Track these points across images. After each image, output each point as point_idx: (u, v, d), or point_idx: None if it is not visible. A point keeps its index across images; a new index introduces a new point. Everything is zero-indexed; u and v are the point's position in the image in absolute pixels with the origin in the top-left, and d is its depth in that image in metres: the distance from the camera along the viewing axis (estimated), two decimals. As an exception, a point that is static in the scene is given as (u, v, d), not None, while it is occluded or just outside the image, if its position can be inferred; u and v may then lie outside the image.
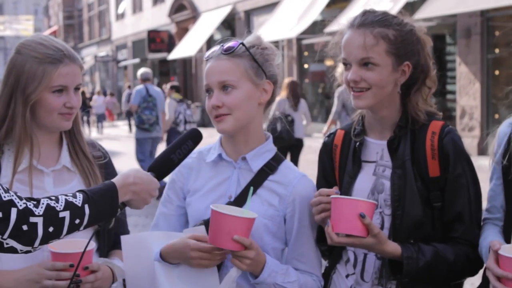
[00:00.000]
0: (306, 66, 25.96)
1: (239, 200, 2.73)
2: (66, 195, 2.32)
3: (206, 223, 2.68)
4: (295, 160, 12.24)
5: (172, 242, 2.69)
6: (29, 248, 2.23)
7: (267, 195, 2.79)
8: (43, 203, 2.24)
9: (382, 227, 2.76)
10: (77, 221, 2.29)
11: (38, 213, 2.21)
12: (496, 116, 16.78)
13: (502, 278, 2.30)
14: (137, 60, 43.28)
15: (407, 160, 2.73)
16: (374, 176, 2.82)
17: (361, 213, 2.48)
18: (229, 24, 30.55)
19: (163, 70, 40.45)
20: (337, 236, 2.55)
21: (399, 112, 2.79)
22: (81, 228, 2.33)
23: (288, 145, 11.85)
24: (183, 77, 36.06)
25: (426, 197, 2.71)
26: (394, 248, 2.63)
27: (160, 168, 2.60)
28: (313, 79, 25.89)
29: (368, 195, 2.81)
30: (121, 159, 19.24)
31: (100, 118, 34.63)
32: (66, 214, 2.26)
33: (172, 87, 14.88)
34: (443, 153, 2.70)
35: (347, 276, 2.86)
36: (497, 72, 16.71)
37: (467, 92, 17.27)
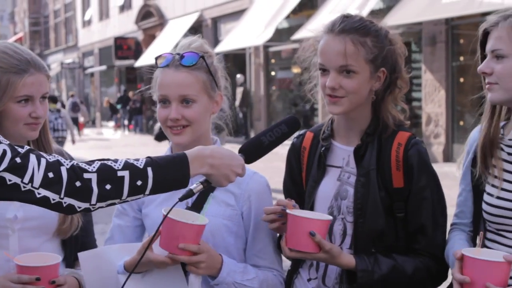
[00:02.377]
0: (273, 73, 26.01)
1: (197, 206, 2.72)
2: (127, 158, 2.29)
3: None
4: None
5: (132, 258, 2.65)
6: (87, 205, 2.20)
7: (223, 196, 2.79)
8: (97, 163, 2.22)
9: (344, 234, 2.77)
10: (139, 182, 2.23)
11: (92, 170, 2.19)
12: (461, 123, 16.95)
13: (464, 284, 2.33)
14: (103, 67, 43.07)
15: (372, 170, 2.73)
16: (338, 181, 2.82)
17: (311, 232, 2.50)
18: (196, 31, 30.40)
19: (130, 77, 40.28)
20: (289, 250, 2.57)
21: (368, 118, 2.79)
22: (147, 192, 2.26)
23: None
24: (150, 84, 35.87)
25: (389, 207, 2.71)
26: (348, 260, 2.63)
27: (249, 149, 2.54)
28: (280, 86, 25.95)
29: (332, 200, 2.81)
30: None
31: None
32: (125, 174, 2.22)
33: (49, 98, 14.97)
34: (407, 164, 2.70)
35: (309, 280, 2.86)
36: (461, 80, 16.87)
37: (433, 99, 17.42)
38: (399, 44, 2.79)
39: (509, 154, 2.63)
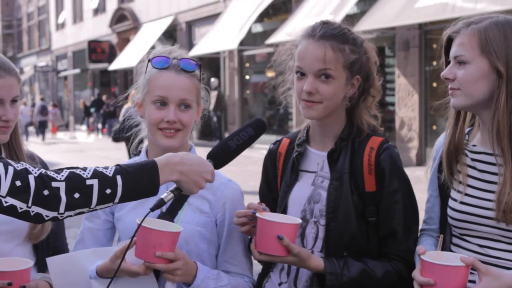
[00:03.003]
0: (247, 77, 26.04)
1: (171, 211, 2.74)
2: (97, 167, 2.27)
3: None
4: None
5: (104, 264, 2.65)
6: (55, 214, 2.18)
7: (198, 203, 2.81)
8: (65, 171, 2.20)
9: (316, 237, 2.79)
10: (108, 190, 2.22)
11: (60, 178, 2.17)
12: (434, 127, 17.06)
13: (424, 285, 2.33)
14: (77, 71, 42.87)
15: (345, 173, 2.76)
16: (312, 186, 2.84)
17: (279, 235, 2.52)
18: (170, 35, 30.47)
19: (104, 81, 40.14)
20: (259, 253, 2.59)
21: (343, 124, 2.82)
22: (116, 200, 2.25)
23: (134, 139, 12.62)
24: (124, 88, 35.80)
25: (362, 211, 2.74)
26: (318, 263, 2.66)
27: (217, 154, 2.54)
28: (254, 90, 25.98)
29: (305, 204, 2.83)
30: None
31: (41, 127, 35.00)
32: (94, 182, 2.20)
33: None
34: (379, 168, 2.73)
35: (280, 284, 2.88)
36: (435, 84, 16.98)
37: (406, 103, 17.52)
38: (372, 53, 2.83)
39: (472, 160, 2.66)
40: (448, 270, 2.29)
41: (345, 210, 2.73)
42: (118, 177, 2.24)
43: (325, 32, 2.74)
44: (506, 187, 2.50)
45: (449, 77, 2.60)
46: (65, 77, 47.61)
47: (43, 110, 36.68)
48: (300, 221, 2.65)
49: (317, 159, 2.86)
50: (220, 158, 2.53)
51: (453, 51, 2.60)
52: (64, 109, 48.20)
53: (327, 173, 2.81)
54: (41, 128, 35.65)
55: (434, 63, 17.08)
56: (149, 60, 2.82)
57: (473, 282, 2.36)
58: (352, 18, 18.18)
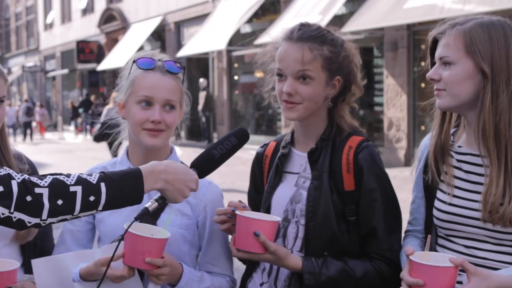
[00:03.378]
0: (236, 77, 26.04)
1: (154, 213, 2.72)
2: (80, 173, 2.26)
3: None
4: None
5: (87, 268, 2.64)
6: (37, 221, 2.16)
7: (180, 206, 2.82)
8: (49, 177, 2.19)
9: (296, 237, 2.81)
10: (92, 198, 2.21)
11: (43, 184, 2.16)
12: (423, 127, 17.10)
13: (413, 286, 2.32)
14: (65, 71, 42.75)
15: (325, 173, 2.77)
16: (295, 187, 2.86)
17: (255, 232, 2.54)
18: (159, 35, 30.44)
19: (93, 81, 40.02)
20: (237, 251, 2.61)
21: (324, 124, 2.84)
22: (100, 207, 2.23)
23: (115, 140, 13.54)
24: (113, 88, 35.60)
25: (342, 210, 2.74)
26: (295, 262, 2.67)
27: (201, 163, 2.55)
28: (243, 91, 25.98)
29: (287, 204, 2.85)
30: (47, 171, 18.93)
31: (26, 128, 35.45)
32: (77, 189, 2.19)
33: None
34: (357, 167, 2.74)
35: (261, 284, 2.90)
36: (423, 85, 17.02)
37: (394, 104, 17.56)
38: (354, 53, 2.85)
39: (458, 161, 2.67)
40: (437, 270, 2.29)
41: (325, 209, 2.74)
42: (102, 185, 2.23)
43: (303, 34, 2.76)
44: (492, 188, 2.51)
45: (435, 78, 2.61)
46: (54, 78, 47.47)
47: (29, 111, 37.11)
48: (279, 219, 2.66)
49: (300, 160, 2.89)
50: (204, 167, 2.55)
51: (438, 52, 2.62)
52: (52, 110, 48.06)
53: (309, 173, 2.83)
54: (26, 129, 36.16)
55: (423, 63, 17.05)
56: (133, 62, 2.83)
57: (461, 283, 2.37)
58: (340, 19, 18.22)
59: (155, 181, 2.33)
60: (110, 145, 14.94)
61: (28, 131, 36.40)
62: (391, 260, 2.72)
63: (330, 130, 2.82)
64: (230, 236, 2.79)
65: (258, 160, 3.06)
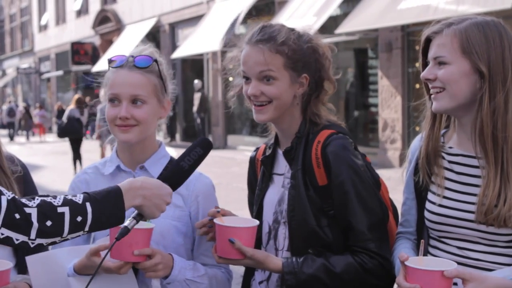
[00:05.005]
0: (231, 78, 26.01)
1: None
2: (66, 194, 2.26)
3: None
4: (78, 148, 19.48)
5: (80, 261, 2.68)
6: (25, 239, 2.14)
7: (172, 197, 2.82)
8: (37, 199, 2.18)
9: (285, 238, 2.81)
10: (79, 218, 2.19)
11: (32, 205, 2.14)
12: (417, 128, 17.08)
13: None
14: (60, 72, 42.69)
15: (299, 170, 2.77)
16: (282, 188, 2.87)
17: (230, 239, 2.57)
18: (153, 37, 30.42)
19: (87, 83, 39.98)
20: (218, 257, 2.63)
21: (298, 122, 2.83)
22: (86, 228, 2.22)
23: (76, 138, 19.35)
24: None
25: (320, 205, 2.73)
26: (275, 264, 2.67)
27: (171, 176, 2.56)
28: (237, 92, 25.95)
29: (276, 206, 2.87)
30: (41, 173, 18.92)
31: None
32: (65, 210, 2.18)
33: None
34: (325, 161, 2.71)
35: (260, 282, 2.92)
36: (417, 86, 17.05)
37: (389, 105, 17.59)
38: (323, 48, 2.83)
39: (449, 162, 2.65)
40: (433, 275, 2.28)
41: (302, 207, 2.74)
42: (88, 204, 2.23)
43: (263, 36, 2.77)
44: (489, 189, 2.49)
45: (430, 78, 2.59)
46: (48, 79, 47.40)
47: (10, 112, 39.46)
48: (256, 223, 2.67)
49: (284, 161, 2.89)
50: (175, 179, 2.56)
51: (432, 52, 2.60)
52: (47, 111, 47.99)
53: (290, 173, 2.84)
54: (10, 129, 38.62)
55: (417, 64, 17.07)
56: (108, 61, 2.87)
57: (456, 284, 2.36)
58: (335, 20, 18.25)
59: (133, 198, 2.34)
60: (71, 140, 19.37)
61: (11, 131, 38.52)
62: (372, 251, 2.69)
63: (304, 127, 2.81)
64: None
65: (251, 164, 3.09)
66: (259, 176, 3.00)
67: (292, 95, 2.78)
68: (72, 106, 19.69)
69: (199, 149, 2.59)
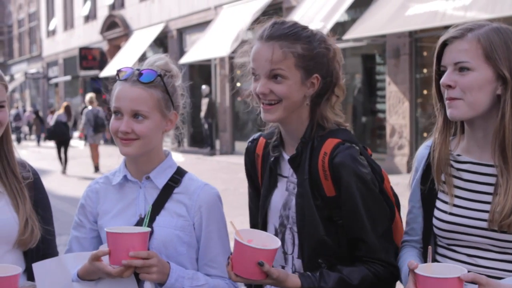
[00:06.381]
0: (238, 84, 26.03)
1: (150, 217, 2.79)
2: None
3: None
4: (65, 149, 21.31)
5: (84, 266, 2.72)
6: None
7: (175, 207, 2.86)
8: None
9: (293, 243, 2.80)
10: None
11: None
12: (425, 134, 17.07)
13: None
14: (68, 78, 42.77)
15: (306, 179, 2.73)
16: (286, 191, 2.84)
17: (260, 262, 2.48)
18: (161, 42, 30.46)
19: (95, 88, 40.03)
20: (235, 276, 2.54)
21: (305, 124, 2.78)
22: None
23: (63, 140, 21.23)
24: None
25: (328, 215, 2.71)
26: (294, 282, 2.60)
27: None
28: (246, 97, 25.94)
29: (281, 210, 2.84)
30: (50, 178, 18.95)
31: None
32: None
33: None
34: (334, 174, 2.67)
35: None
36: (425, 92, 17.02)
37: (397, 111, 17.55)
38: (335, 50, 2.79)
39: (458, 169, 2.63)
40: (443, 282, 2.27)
41: (310, 216, 2.71)
42: None
43: (274, 32, 2.72)
44: (508, 197, 2.46)
45: (450, 84, 2.52)
46: (56, 84, 47.49)
47: (17, 117, 40.42)
48: (279, 243, 2.58)
49: (288, 163, 2.85)
50: None
51: (452, 57, 2.53)
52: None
53: (296, 178, 2.80)
54: (17, 134, 39.23)
55: (425, 70, 17.13)
56: (116, 71, 2.89)
57: None
58: (342, 26, 18.23)
59: None
60: (58, 143, 21.29)
61: (17, 136, 39.41)
62: (384, 260, 2.69)
63: (310, 131, 2.76)
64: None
65: (250, 157, 3.03)
66: (262, 173, 2.94)
67: (302, 95, 2.73)
68: (60, 111, 21.95)
69: None
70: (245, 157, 3.06)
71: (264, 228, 2.90)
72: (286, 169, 2.85)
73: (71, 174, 20.84)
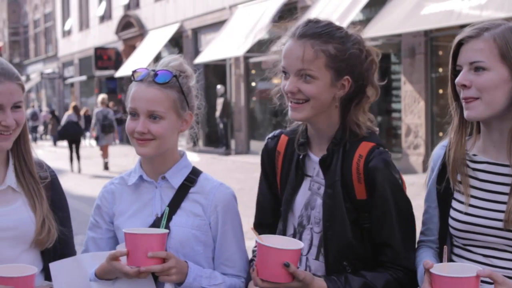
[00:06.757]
0: (253, 84, 26.04)
1: (167, 218, 2.81)
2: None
3: None
4: (77, 148, 21.88)
5: (101, 265, 2.75)
6: None
7: (192, 207, 2.89)
8: None
9: (311, 244, 2.79)
10: None
11: None
12: (441, 134, 17.03)
13: None
14: (83, 77, 42.92)
15: (337, 181, 2.71)
16: (309, 191, 2.83)
17: (286, 263, 2.45)
18: (176, 42, 30.50)
19: (110, 88, 40.15)
20: (261, 281, 2.50)
21: (336, 126, 2.77)
22: None
23: (74, 139, 21.81)
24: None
25: (355, 218, 2.70)
26: (321, 286, 2.58)
27: None
28: (260, 97, 25.97)
29: (302, 209, 2.83)
30: (66, 177, 19.02)
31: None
32: None
33: None
34: (368, 177, 2.67)
35: None
36: (441, 91, 16.97)
37: (412, 110, 17.50)
38: (371, 51, 2.77)
39: (474, 169, 2.62)
40: (459, 281, 2.27)
41: (340, 218, 2.70)
42: None
43: (307, 31, 2.70)
44: None
45: (465, 84, 2.51)
46: (72, 84, 47.66)
47: (33, 116, 41.04)
48: (302, 245, 2.57)
49: (313, 163, 2.83)
50: None
51: (467, 57, 2.52)
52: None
53: (322, 179, 2.78)
54: (32, 133, 39.26)
55: (440, 69, 17.08)
56: (132, 72, 2.90)
57: None
58: (357, 25, 18.18)
59: None
60: (69, 142, 21.82)
61: (34, 135, 39.66)
62: (407, 267, 2.69)
63: (342, 133, 2.74)
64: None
65: (269, 154, 2.99)
66: (282, 171, 2.92)
67: (332, 96, 2.71)
68: (70, 111, 22.65)
69: None
70: (262, 152, 3.02)
71: (284, 226, 2.89)
72: (311, 169, 2.84)
73: (86, 173, 20.91)
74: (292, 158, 2.89)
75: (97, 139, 22.26)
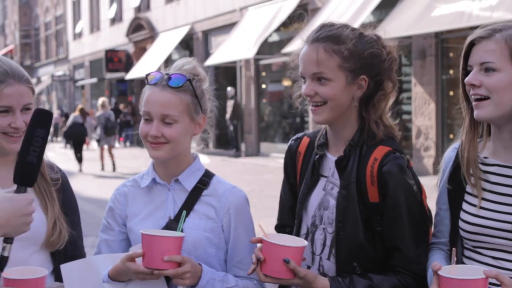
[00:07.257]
0: (263, 86, 26.05)
1: (179, 220, 2.80)
2: None
3: None
4: (81, 148, 22.93)
5: (115, 266, 2.75)
6: None
7: (204, 209, 2.90)
8: None
9: (324, 244, 2.80)
10: None
11: None
12: (451, 136, 16.99)
13: None
14: (94, 80, 43.03)
15: (352, 183, 2.73)
16: (323, 191, 2.85)
17: (285, 259, 2.51)
18: (187, 44, 30.55)
19: (121, 90, 40.26)
20: (264, 276, 2.57)
21: (354, 127, 2.80)
22: None
23: (80, 139, 22.94)
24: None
25: (368, 220, 2.72)
26: (323, 285, 2.62)
27: (25, 177, 2.36)
28: (271, 99, 25.99)
29: (315, 209, 2.85)
30: (76, 179, 19.07)
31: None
32: None
33: None
34: (381, 181, 2.68)
35: None
36: (451, 93, 16.93)
37: (423, 112, 17.47)
38: (389, 48, 2.79)
39: (484, 172, 2.61)
40: (467, 283, 2.27)
41: (353, 220, 2.72)
42: None
43: (320, 35, 2.75)
44: None
45: (475, 83, 2.51)
46: (82, 86, 47.81)
47: None
48: (306, 243, 2.63)
49: (329, 163, 2.86)
50: (29, 179, 2.37)
51: (478, 57, 2.52)
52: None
53: (337, 180, 2.80)
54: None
55: (451, 71, 17.04)
56: (146, 75, 2.90)
57: None
58: (368, 27, 18.15)
59: None
60: (74, 143, 23.14)
61: None
62: (416, 273, 2.68)
63: (360, 135, 2.77)
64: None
65: (291, 154, 3.03)
66: (302, 171, 2.95)
67: (350, 97, 2.75)
68: (76, 113, 23.63)
69: (39, 131, 2.34)
70: (286, 154, 3.07)
71: (298, 226, 2.92)
72: (327, 169, 2.87)
73: (97, 175, 20.96)
74: (311, 159, 2.93)
75: (98, 141, 23.11)
